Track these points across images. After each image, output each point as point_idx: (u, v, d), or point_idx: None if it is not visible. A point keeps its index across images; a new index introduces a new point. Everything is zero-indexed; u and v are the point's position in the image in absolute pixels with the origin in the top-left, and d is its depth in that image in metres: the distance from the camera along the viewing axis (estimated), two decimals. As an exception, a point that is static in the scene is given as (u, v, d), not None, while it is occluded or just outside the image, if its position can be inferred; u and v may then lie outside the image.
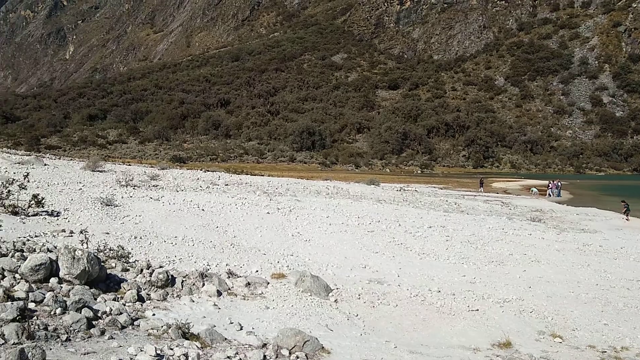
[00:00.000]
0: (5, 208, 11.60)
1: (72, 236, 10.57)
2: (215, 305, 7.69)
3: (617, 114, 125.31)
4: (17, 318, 5.37)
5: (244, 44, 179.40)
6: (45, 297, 6.14)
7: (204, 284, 8.29)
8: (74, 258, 7.04)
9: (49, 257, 7.01)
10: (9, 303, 5.57)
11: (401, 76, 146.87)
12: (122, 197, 15.44)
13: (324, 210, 17.13)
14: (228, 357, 5.66)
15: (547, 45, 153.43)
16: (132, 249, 9.99)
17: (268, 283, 9.18)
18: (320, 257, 12.07)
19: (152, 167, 33.52)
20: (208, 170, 33.64)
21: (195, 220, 13.74)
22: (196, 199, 16.46)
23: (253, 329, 7.04)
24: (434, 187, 47.50)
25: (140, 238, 11.27)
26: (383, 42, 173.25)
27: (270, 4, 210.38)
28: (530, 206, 30.35)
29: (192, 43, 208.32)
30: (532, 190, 46.47)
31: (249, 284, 8.87)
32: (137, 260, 9.19)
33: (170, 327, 6.08)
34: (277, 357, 6.11)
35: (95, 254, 7.60)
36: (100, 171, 24.24)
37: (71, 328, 5.52)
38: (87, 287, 6.92)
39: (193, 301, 7.66)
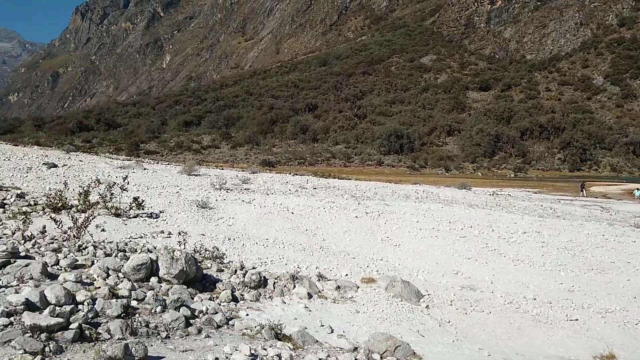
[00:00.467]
0: (108, 210, 12.25)
1: (170, 237, 11.02)
2: (306, 307, 7.76)
3: None
4: (121, 315, 5.65)
5: (332, 49, 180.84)
6: (146, 296, 6.43)
7: (294, 286, 8.40)
8: (172, 258, 7.33)
9: (150, 257, 7.34)
10: (114, 300, 5.87)
11: (493, 77, 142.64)
12: (216, 200, 15.93)
13: (413, 215, 16.90)
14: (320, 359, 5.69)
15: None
16: (226, 250, 10.28)
17: (358, 287, 9.16)
18: (410, 262, 11.92)
19: (243, 170, 34.43)
20: (296, 174, 34.11)
21: (285, 223, 13.95)
22: (286, 202, 16.71)
23: (344, 332, 7.04)
24: (528, 191, 45.78)
25: (234, 240, 11.57)
26: (473, 42, 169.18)
27: (357, 8, 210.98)
28: (634, 211, 28.53)
29: (281, 49, 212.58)
30: (635, 194, 43.64)
31: (339, 287, 8.89)
32: (231, 261, 9.45)
33: (263, 328, 6.19)
34: (368, 361, 6.08)
35: (192, 254, 7.87)
36: (196, 175, 25.18)
37: (170, 326, 5.74)
38: (184, 286, 7.18)
39: (284, 302, 7.77)
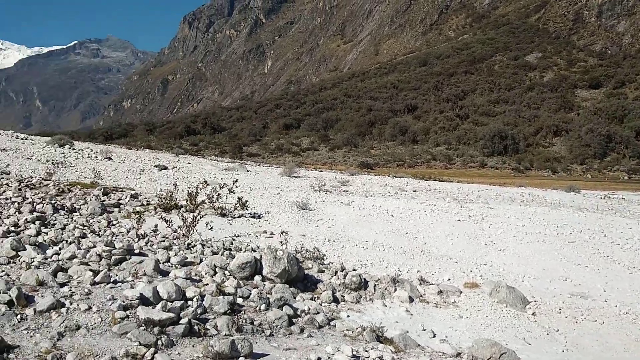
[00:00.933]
0: (215, 210, 12.74)
1: (272, 237, 11.28)
2: (407, 311, 7.66)
3: None
4: (228, 312, 5.84)
5: (432, 48, 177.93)
6: (250, 294, 6.61)
7: (395, 289, 8.33)
8: (275, 258, 7.49)
9: (254, 256, 7.55)
10: (221, 297, 6.08)
11: (604, 74, 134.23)
12: (315, 202, 16.12)
13: (518, 219, 16.26)
14: (422, 364, 5.60)
15: None
16: (326, 251, 10.37)
17: (461, 292, 8.93)
18: (515, 267, 11.46)
19: (341, 172, 34.64)
20: (395, 176, 33.85)
21: (385, 226, 13.86)
22: (385, 205, 16.62)
23: (446, 337, 6.89)
24: (645, 194, 42.74)
25: (333, 241, 11.65)
26: (583, 38, 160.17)
27: (459, 6, 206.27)
28: None
29: (380, 51, 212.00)
30: None
31: (441, 291, 8.71)
32: (331, 263, 9.52)
33: (364, 330, 6.17)
34: (472, 368, 5.91)
35: (294, 254, 8.00)
36: (295, 177, 25.66)
37: (274, 324, 5.87)
38: (287, 285, 7.32)
39: (385, 305, 7.72)
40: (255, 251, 9.05)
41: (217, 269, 7.38)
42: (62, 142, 26.43)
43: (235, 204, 13.13)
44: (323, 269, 8.75)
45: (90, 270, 6.59)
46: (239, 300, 6.34)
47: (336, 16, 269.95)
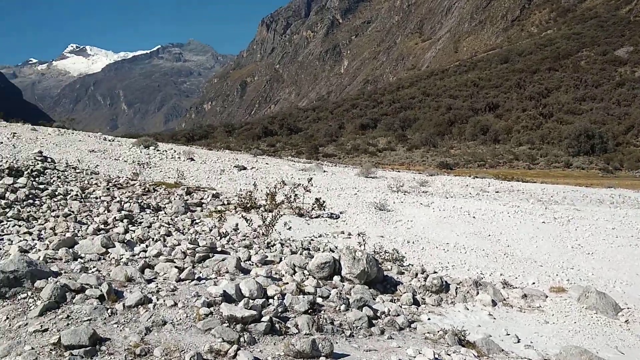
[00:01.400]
0: (292, 210, 12.87)
1: (350, 238, 11.27)
2: (490, 314, 7.44)
3: None
4: (308, 311, 5.86)
5: (514, 45, 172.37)
6: (330, 294, 6.61)
7: (478, 293, 8.10)
8: (354, 258, 7.46)
9: (332, 257, 7.55)
10: (301, 296, 6.11)
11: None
12: (393, 202, 15.97)
13: (608, 221, 15.45)
14: (507, 371, 5.41)
15: None
16: (405, 253, 10.24)
17: (546, 296, 8.57)
18: (605, 272, 10.88)
19: (420, 173, 34.19)
20: (476, 177, 33.06)
21: (466, 228, 13.54)
22: (466, 206, 16.23)
23: (531, 342, 6.64)
24: None
25: (413, 243, 11.49)
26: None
27: (542, 1, 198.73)
28: None
29: (459, 48, 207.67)
30: None
31: (525, 295, 8.40)
32: (411, 265, 9.39)
33: (446, 333, 6.04)
34: (561, 377, 5.65)
35: (373, 256, 7.94)
36: (372, 177, 25.54)
37: (354, 325, 5.83)
38: (366, 286, 7.27)
39: (467, 309, 7.52)
40: (333, 251, 9.07)
41: (296, 268, 7.44)
42: (147, 144, 27.55)
43: (313, 204, 13.21)
44: (403, 270, 8.64)
45: (176, 267, 6.80)
46: (319, 300, 6.35)
47: (414, 14, 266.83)
